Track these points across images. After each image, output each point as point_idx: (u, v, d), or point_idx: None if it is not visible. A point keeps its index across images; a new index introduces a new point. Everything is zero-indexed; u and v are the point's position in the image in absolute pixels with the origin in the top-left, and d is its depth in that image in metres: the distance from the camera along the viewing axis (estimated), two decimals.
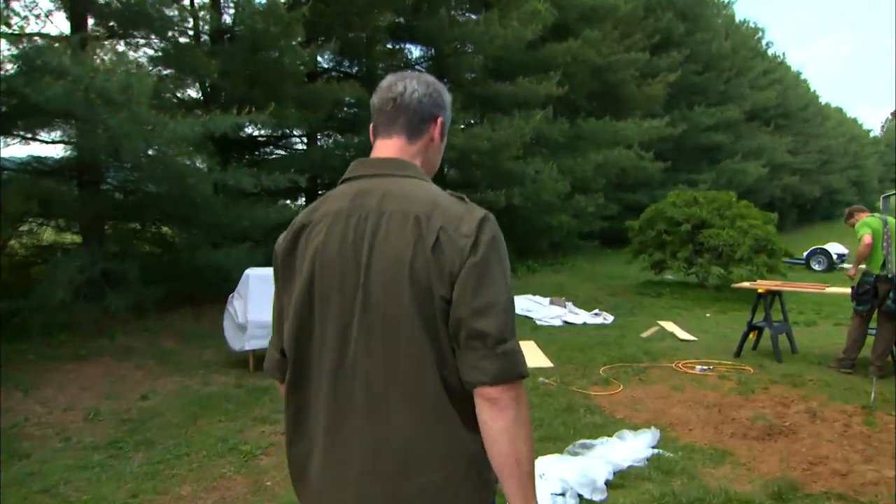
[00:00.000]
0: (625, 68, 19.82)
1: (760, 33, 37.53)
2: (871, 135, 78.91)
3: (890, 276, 6.45)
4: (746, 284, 8.05)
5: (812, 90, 48.74)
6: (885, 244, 6.56)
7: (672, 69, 22.57)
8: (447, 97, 1.54)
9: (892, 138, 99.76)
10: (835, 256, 17.63)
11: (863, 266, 6.86)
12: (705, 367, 7.05)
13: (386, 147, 1.46)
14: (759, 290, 7.63)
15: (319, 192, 13.10)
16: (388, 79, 1.49)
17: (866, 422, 5.07)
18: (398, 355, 1.27)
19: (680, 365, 7.17)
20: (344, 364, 1.31)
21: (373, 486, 1.29)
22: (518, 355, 1.27)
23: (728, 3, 32.94)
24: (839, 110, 60.40)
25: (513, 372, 1.24)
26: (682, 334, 9.02)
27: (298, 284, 1.37)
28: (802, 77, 46.79)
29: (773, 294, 7.69)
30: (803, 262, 17.75)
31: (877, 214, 6.90)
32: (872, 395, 5.63)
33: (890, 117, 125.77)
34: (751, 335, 7.89)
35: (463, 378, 1.26)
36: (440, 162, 1.58)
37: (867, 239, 6.51)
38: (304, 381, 1.38)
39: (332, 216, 1.36)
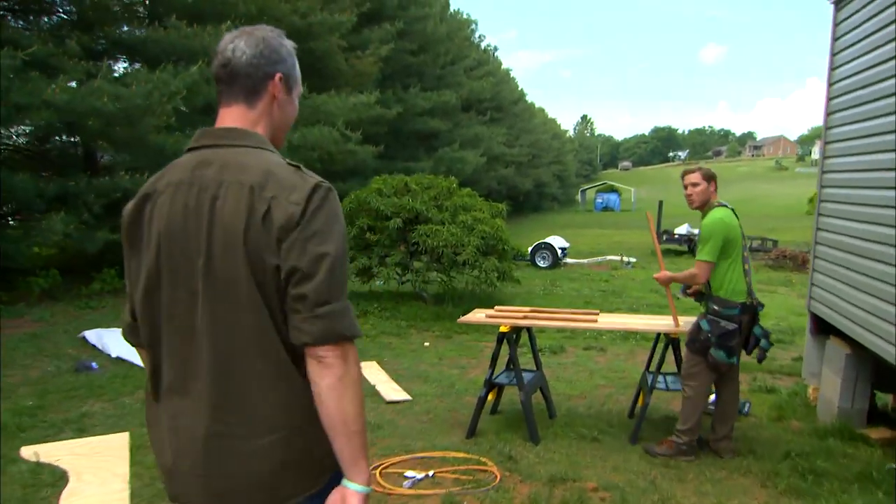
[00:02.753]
0: (328, 33, 16.47)
1: (474, 25, 37.14)
2: (567, 135, 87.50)
3: (754, 302, 4.25)
4: (480, 317, 4.98)
5: (520, 88, 50.82)
6: (745, 253, 4.21)
7: (385, 41, 19.82)
8: (286, 48, 1.48)
9: (584, 138, 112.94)
10: (559, 251, 16.24)
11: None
12: (416, 478, 3.85)
13: (227, 115, 1.44)
14: (503, 329, 4.62)
15: None
16: (224, 39, 1.44)
17: None
18: (239, 318, 1.31)
19: (380, 476, 3.90)
20: (192, 327, 1.34)
21: (221, 444, 1.34)
22: (342, 316, 1.30)
23: None
24: (542, 110, 64.71)
25: (334, 332, 1.29)
26: (390, 393, 5.76)
27: (147, 252, 1.38)
28: (512, 75, 48.29)
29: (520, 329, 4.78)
30: (528, 258, 16.10)
31: (727, 204, 4.34)
32: None
33: (579, 121, 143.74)
34: (490, 395, 4.96)
35: (291, 339, 1.31)
36: (296, 111, 1.55)
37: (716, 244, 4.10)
38: (156, 343, 1.41)
39: (175, 186, 1.37)
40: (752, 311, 4.19)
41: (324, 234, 1.30)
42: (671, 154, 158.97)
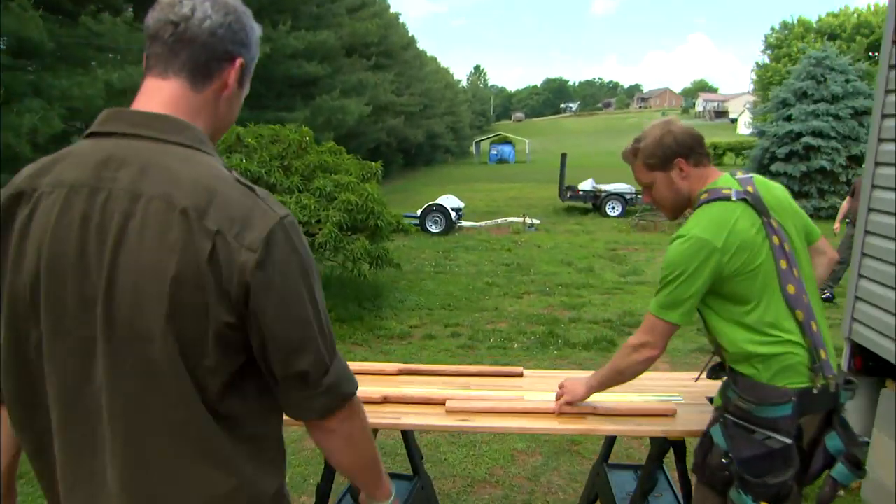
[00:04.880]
0: None
1: None
2: (461, 85, 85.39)
3: (829, 380, 1.92)
4: None
5: (411, 34, 47.80)
6: (795, 271, 1.94)
7: None
8: (254, 31, 1.16)
9: (477, 89, 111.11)
10: (452, 213, 14.01)
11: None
12: None
13: (158, 92, 1.07)
14: None
15: None
16: None
17: None
18: (152, 385, 0.99)
19: None
20: (85, 392, 1.00)
21: None
22: (342, 378, 1.11)
23: None
24: (434, 59, 62.02)
25: (339, 401, 1.11)
26: None
27: (16, 278, 1.00)
28: (401, 20, 45.12)
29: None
30: (417, 221, 13.79)
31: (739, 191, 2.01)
32: None
33: (473, 71, 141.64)
34: None
35: (287, 414, 1.13)
36: (236, 117, 1.20)
37: None
38: (32, 407, 1.05)
39: (69, 189, 0.99)
40: (823, 402, 1.96)
41: (300, 289, 1.02)
42: (563, 105, 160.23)
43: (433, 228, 13.83)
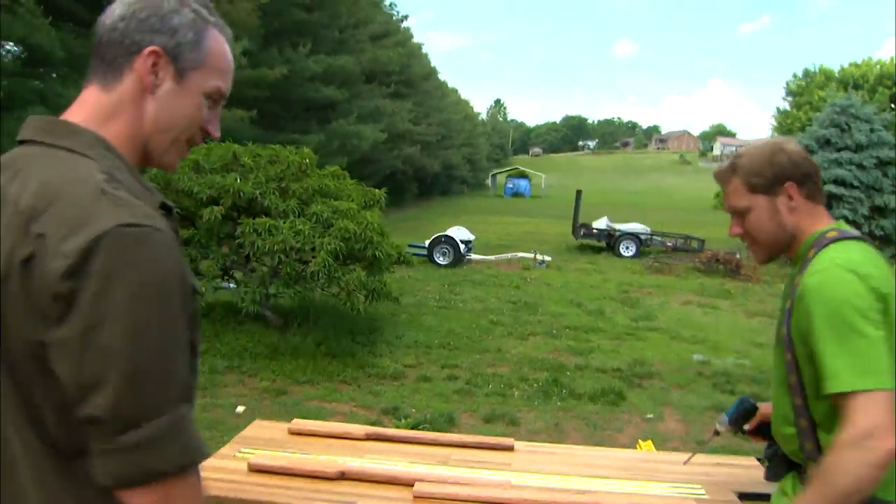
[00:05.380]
0: None
1: None
2: (480, 118, 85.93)
3: None
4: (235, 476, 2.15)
5: (433, 65, 48.09)
6: None
7: None
8: (174, 14, 0.99)
9: (496, 122, 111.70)
10: (461, 245, 13.61)
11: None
12: None
13: (78, 100, 1.02)
14: None
15: None
16: None
17: None
18: None
19: None
20: None
21: None
22: (160, 444, 0.84)
23: None
24: (455, 90, 62.43)
25: (146, 471, 0.84)
26: None
27: None
28: (424, 50, 45.39)
29: None
30: (425, 252, 13.40)
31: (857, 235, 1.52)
32: None
33: (493, 104, 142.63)
34: None
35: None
36: (200, 111, 1.04)
37: None
38: None
39: None
40: None
41: (113, 315, 0.82)
42: (581, 143, 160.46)
43: (441, 260, 13.43)
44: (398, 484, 1.98)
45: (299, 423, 2.42)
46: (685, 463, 2.13)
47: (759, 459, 2.27)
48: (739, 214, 1.58)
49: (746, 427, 1.86)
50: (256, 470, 2.05)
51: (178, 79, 1.01)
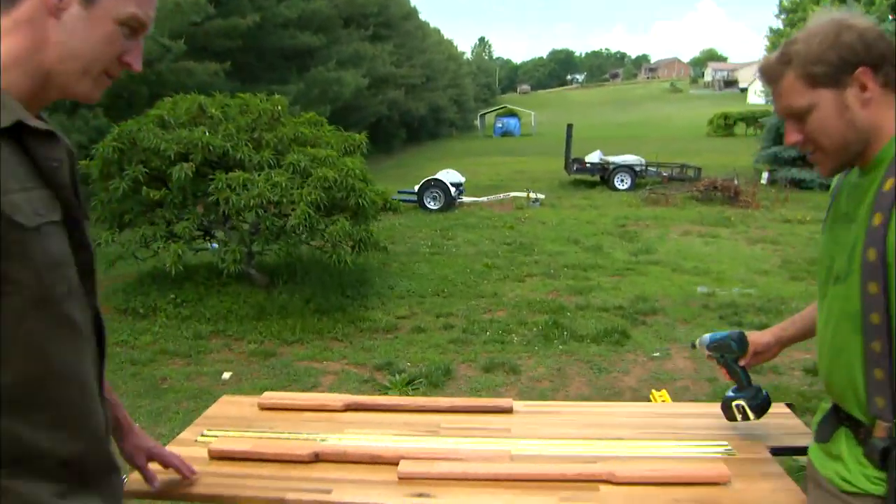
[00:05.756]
0: None
1: None
2: (465, 57, 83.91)
3: None
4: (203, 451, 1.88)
5: (412, 5, 46.59)
6: None
7: None
8: None
9: (482, 62, 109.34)
10: (452, 189, 13.25)
11: None
12: None
13: None
14: None
15: None
16: None
17: None
18: None
19: None
20: None
21: None
22: None
23: None
24: (437, 30, 60.73)
25: None
26: None
27: None
28: None
29: None
30: (415, 198, 13.06)
31: None
32: None
33: (477, 43, 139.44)
34: None
35: None
36: (110, 40, 0.97)
37: None
38: None
39: None
40: None
41: None
42: (569, 77, 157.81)
43: (431, 205, 13.08)
44: (381, 463, 1.72)
45: (270, 397, 2.15)
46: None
47: (789, 406, 2.02)
48: (797, 117, 1.22)
49: (742, 363, 1.78)
50: (218, 457, 1.78)
51: (86, 3, 0.94)
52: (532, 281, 7.41)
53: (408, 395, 4.39)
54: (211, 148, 5.58)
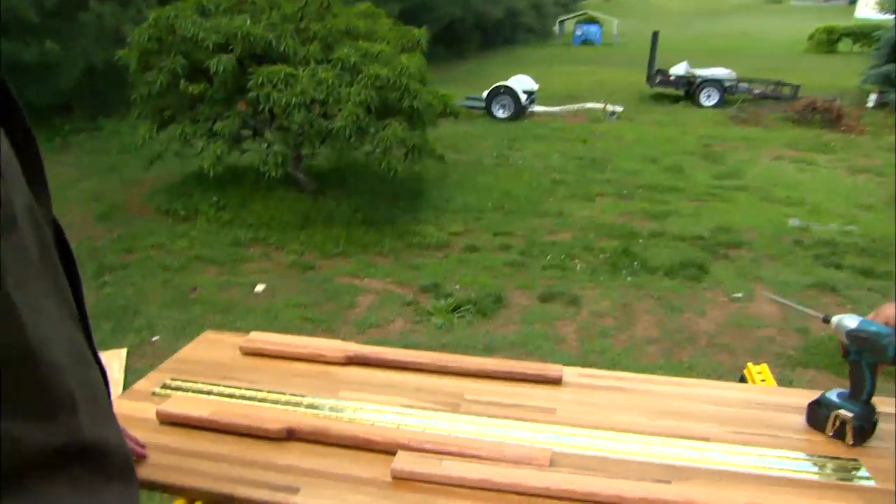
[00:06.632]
0: None
1: None
2: None
3: None
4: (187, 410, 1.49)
5: None
6: None
7: None
8: None
9: None
10: (522, 97, 12.39)
11: None
12: None
13: None
14: None
15: None
16: None
17: None
18: None
19: None
20: None
21: None
22: None
23: None
24: None
25: None
26: None
27: None
28: None
29: None
30: (483, 104, 12.30)
31: None
32: None
33: None
34: None
35: None
36: None
37: None
38: None
39: None
40: None
41: None
42: None
43: (500, 113, 12.32)
44: (373, 450, 1.27)
45: (257, 339, 1.71)
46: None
47: None
48: None
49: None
50: (168, 422, 1.37)
51: None
52: (602, 201, 6.76)
53: (452, 323, 3.97)
54: (252, 39, 5.06)
